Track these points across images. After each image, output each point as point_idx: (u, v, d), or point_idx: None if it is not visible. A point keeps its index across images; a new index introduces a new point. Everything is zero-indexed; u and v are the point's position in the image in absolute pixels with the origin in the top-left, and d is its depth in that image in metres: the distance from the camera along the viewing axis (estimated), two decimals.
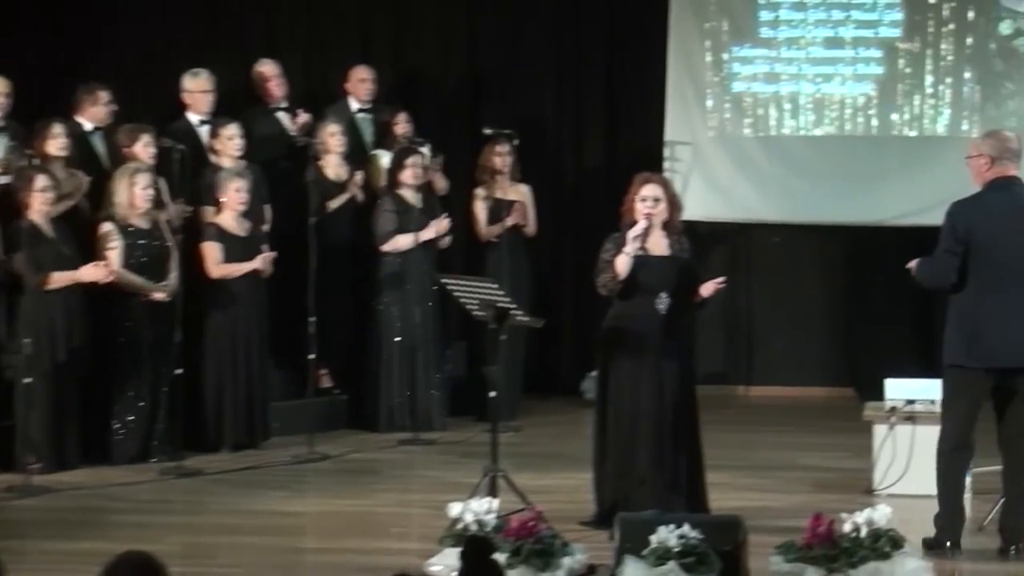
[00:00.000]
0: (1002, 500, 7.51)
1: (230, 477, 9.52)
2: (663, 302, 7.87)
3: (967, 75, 12.33)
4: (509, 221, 11.25)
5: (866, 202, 12.20)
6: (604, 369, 7.99)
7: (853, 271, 12.68)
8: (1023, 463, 7.40)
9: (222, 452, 10.22)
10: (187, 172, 9.92)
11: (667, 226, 8.01)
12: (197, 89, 10.86)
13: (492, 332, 8.24)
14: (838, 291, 12.75)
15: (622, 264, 7.84)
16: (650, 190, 7.94)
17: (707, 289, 7.93)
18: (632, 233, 7.83)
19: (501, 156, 11.35)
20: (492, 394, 8.34)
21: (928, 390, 8.72)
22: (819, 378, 12.63)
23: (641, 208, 7.91)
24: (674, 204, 8.05)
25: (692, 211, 10.72)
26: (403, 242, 11.02)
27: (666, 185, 8.13)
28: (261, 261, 10.29)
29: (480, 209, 11.51)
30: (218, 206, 10.41)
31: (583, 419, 11.42)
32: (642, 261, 7.89)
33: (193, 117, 10.89)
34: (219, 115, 10.79)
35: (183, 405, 9.79)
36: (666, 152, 12.45)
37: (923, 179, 11.90)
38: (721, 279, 8.02)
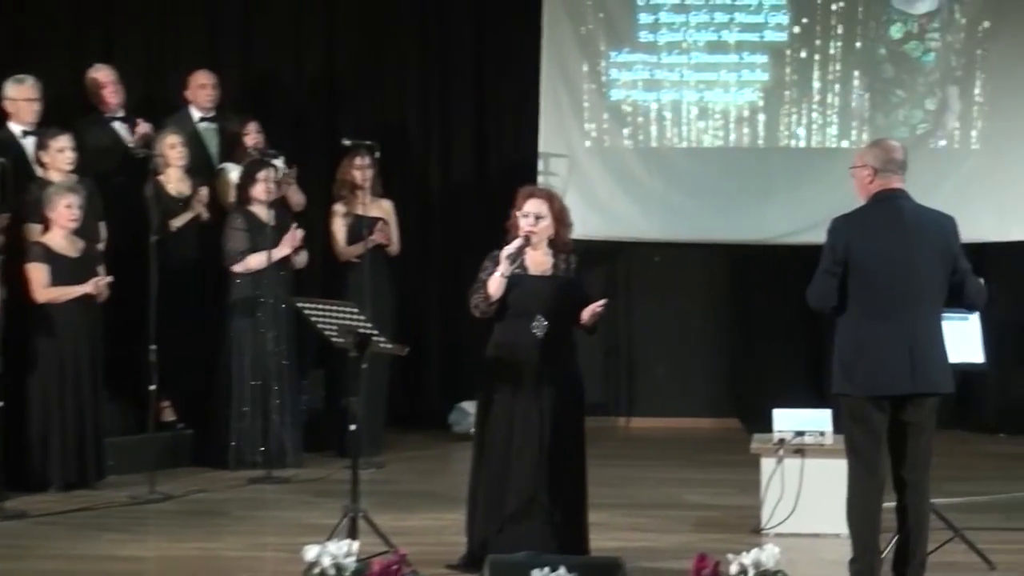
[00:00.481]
0: (895, 539, 7.00)
1: (59, 520, 8.93)
2: (539, 326, 7.46)
3: (856, 82, 11.82)
4: (371, 240, 10.57)
5: (752, 218, 11.64)
6: (484, 399, 7.63)
7: (740, 293, 12.13)
8: (918, 502, 6.92)
9: (50, 492, 9.60)
10: (8, 187, 9.19)
11: (553, 244, 7.63)
12: (21, 97, 10.15)
13: (352, 360, 7.79)
14: (724, 315, 12.18)
15: (494, 284, 7.47)
16: (532, 205, 7.56)
17: (586, 313, 7.42)
18: (506, 251, 7.46)
19: (361, 169, 10.69)
20: (352, 427, 7.84)
21: (819, 421, 8.42)
22: (703, 409, 12.09)
23: (522, 224, 7.54)
24: (561, 220, 7.64)
25: None
26: (255, 262, 10.39)
27: (551, 200, 7.69)
28: (94, 284, 9.66)
29: (339, 226, 10.82)
30: (46, 224, 9.72)
31: (451, 454, 10.93)
32: (517, 280, 7.51)
33: (16, 127, 10.15)
34: (48, 125, 10.08)
35: (5, 441, 9.08)
36: (540, 165, 11.79)
37: (812, 192, 11.39)
38: (601, 301, 7.47)
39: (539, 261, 7.61)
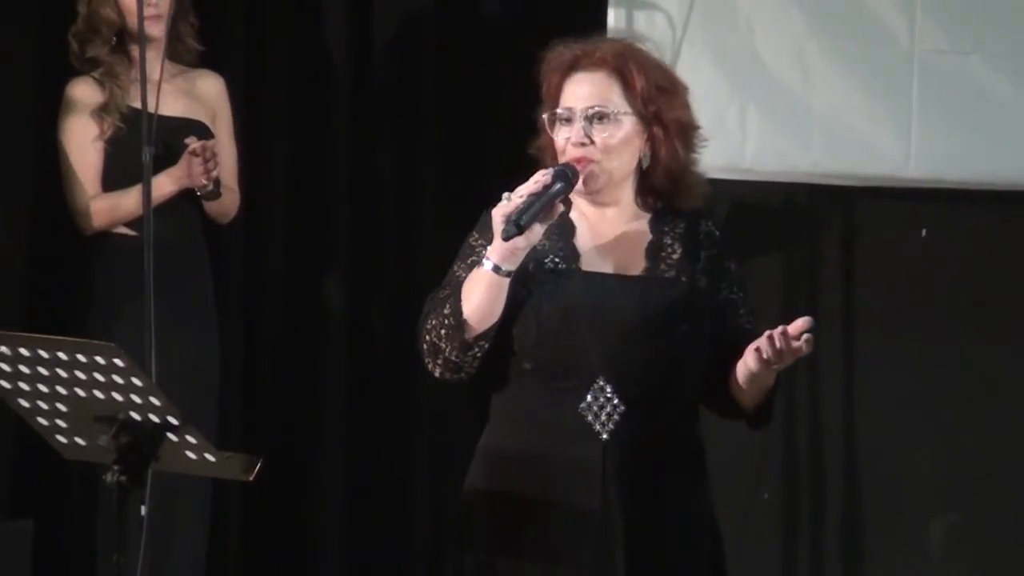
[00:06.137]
0: None
1: None
2: (602, 405, 3.46)
3: None
4: (173, 176, 5.09)
5: None
6: None
7: None
8: None
9: None
10: None
11: (648, 186, 3.59)
12: None
13: (112, 497, 3.54)
14: None
15: (480, 290, 3.45)
16: (584, 90, 3.56)
17: (757, 348, 3.38)
18: (505, 206, 3.38)
19: None
20: None
21: None
22: None
23: (561, 143, 3.56)
24: (667, 122, 3.55)
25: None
26: None
27: (636, 68, 3.57)
28: None
29: (80, 141, 5.17)
30: None
31: None
32: (549, 286, 3.51)
33: None
34: None
35: None
36: None
37: None
38: (801, 322, 3.35)
39: (611, 236, 3.58)
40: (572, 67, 3.55)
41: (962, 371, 5.75)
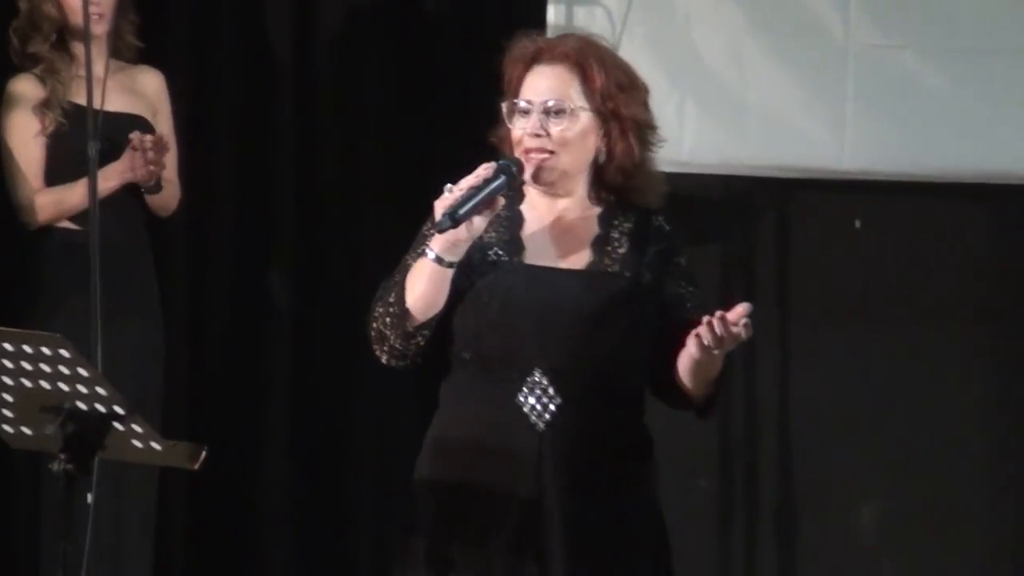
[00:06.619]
0: None
1: None
2: (539, 397, 3.53)
3: None
4: (118, 170, 5.12)
5: None
6: None
7: None
8: None
9: None
10: None
11: (601, 181, 3.66)
12: None
13: (58, 485, 3.60)
14: None
15: (422, 281, 3.53)
16: (543, 83, 3.62)
17: (698, 334, 3.46)
18: (447, 198, 3.46)
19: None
20: None
21: None
22: None
23: (518, 135, 3.61)
24: (621, 116, 3.61)
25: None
26: None
27: (593, 63, 3.64)
28: None
29: (24, 137, 5.23)
30: None
31: None
32: (492, 277, 3.58)
33: None
34: None
35: None
36: None
37: None
38: (739, 309, 3.42)
39: (558, 228, 3.65)
40: (534, 59, 3.60)
41: (894, 358, 5.86)
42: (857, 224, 5.87)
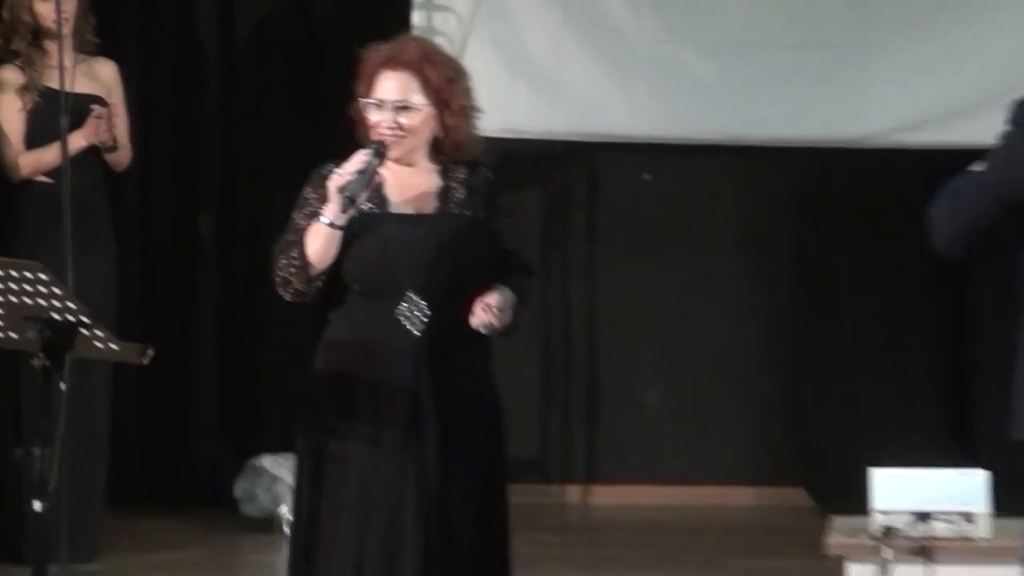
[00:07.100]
0: None
1: None
2: (413, 311, 4.38)
3: None
4: (81, 136, 6.36)
5: (834, 102, 7.09)
6: (310, 455, 4.48)
7: (811, 251, 7.51)
8: None
9: None
10: None
11: (440, 150, 4.49)
12: None
13: (37, 375, 4.34)
14: (779, 293, 7.48)
15: (318, 240, 4.34)
16: (391, 83, 4.41)
17: (477, 309, 4.32)
18: (338, 178, 4.29)
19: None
20: (36, 506, 4.36)
21: (962, 492, 5.27)
22: (733, 468, 7.32)
23: (374, 121, 4.41)
24: (452, 104, 4.46)
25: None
26: None
27: (430, 66, 4.45)
28: None
29: (9, 112, 6.55)
30: None
31: (238, 558, 6.82)
32: (368, 226, 4.38)
33: None
34: None
35: None
36: None
37: (949, 49, 7.12)
38: (493, 297, 4.34)
39: (411, 186, 4.46)
40: (383, 65, 4.39)
41: (676, 276, 7.54)
42: (646, 176, 7.59)
